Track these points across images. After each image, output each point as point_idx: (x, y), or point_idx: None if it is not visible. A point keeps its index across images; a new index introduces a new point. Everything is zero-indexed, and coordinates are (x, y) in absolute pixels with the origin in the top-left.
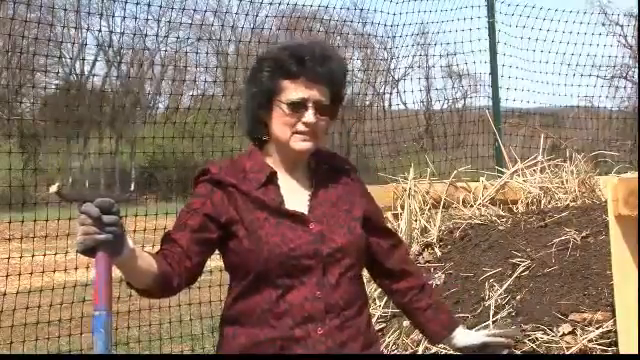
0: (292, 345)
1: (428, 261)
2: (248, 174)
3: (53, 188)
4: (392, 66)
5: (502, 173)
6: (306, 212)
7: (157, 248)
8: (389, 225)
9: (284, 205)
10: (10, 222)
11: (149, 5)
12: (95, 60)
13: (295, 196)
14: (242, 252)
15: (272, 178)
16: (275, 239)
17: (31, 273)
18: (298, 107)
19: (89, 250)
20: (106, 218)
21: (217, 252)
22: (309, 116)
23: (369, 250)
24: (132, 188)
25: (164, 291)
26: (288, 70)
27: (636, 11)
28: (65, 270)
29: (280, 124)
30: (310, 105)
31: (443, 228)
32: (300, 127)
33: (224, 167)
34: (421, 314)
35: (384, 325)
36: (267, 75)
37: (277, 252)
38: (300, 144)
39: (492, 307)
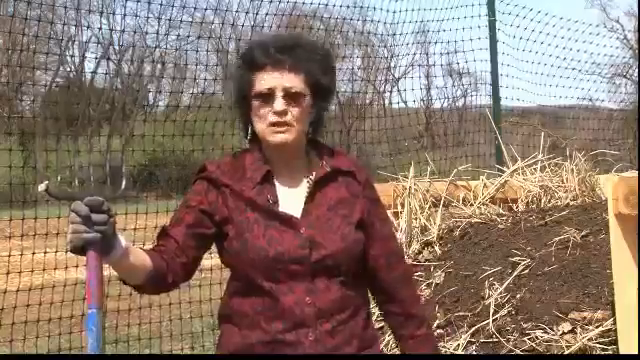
0: (283, 348)
1: (428, 260)
2: (247, 172)
3: (42, 187)
4: (392, 64)
5: (502, 172)
6: (299, 215)
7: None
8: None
9: (277, 206)
10: (11, 220)
11: (149, 3)
12: (82, 54)
13: (291, 197)
14: (231, 253)
15: (268, 177)
16: (261, 242)
17: (32, 271)
18: (267, 98)
19: (78, 249)
20: (95, 217)
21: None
22: (277, 104)
23: (365, 260)
24: (123, 186)
25: (158, 288)
26: (254, 62)
27: (636, 10)
28: (66, 268)
29: (256, 118)
30: (279, 94)
31: (443, 226)
32: (271, 117)
33: (222, 165)
34: (403, 341)
35: (383, 324)
36: (239, 72)
37: (262, 255)
38: (275, 137)
39: (492, 306)
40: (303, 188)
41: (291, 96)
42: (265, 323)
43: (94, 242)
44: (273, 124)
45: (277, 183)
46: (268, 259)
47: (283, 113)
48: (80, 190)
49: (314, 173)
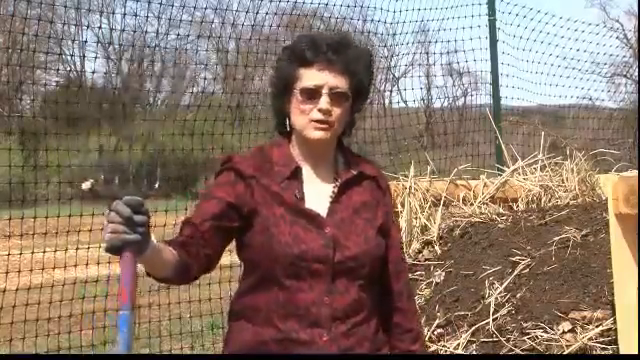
0: (296, 347)
1: (428, 259)
2: (274, 166)
3: (87, 185)
4: (392, 64)
5: (502, 171)
6: (325, 214)
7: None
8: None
9: (304, 203)
10: (10, 219)
11: (149, 2)
12: (77, 54)
13: (317, 196)
14: (254, 247)
15: (297, 173)
16: (287, 239)
17: (31, 270)
18: (313, 94)
19: (116, 249)
20: (137, 218)
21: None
22: (323, 103)
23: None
24: (157, 185)
25: (183, 280)
26: (303, 57)
27: (636, 9)
28: (64, 267)
29: (297, 112)
30: (325, 92)
31: (443, 226)
32: (314, 115)
33: (248, 157)
34: (398, 353)
35: None
36: (285, 63)
37: (287, 252)
38: (315, 133)
39: (492, 305)
40: (329, 188)
41: (336, 96)
42: (279, 321)
43: (133, 243)
44: (315, 121)
45: (304, 180)
46: (292, 256)
47: (327, 112)
48: (119, 189)
49: (341, 175)
